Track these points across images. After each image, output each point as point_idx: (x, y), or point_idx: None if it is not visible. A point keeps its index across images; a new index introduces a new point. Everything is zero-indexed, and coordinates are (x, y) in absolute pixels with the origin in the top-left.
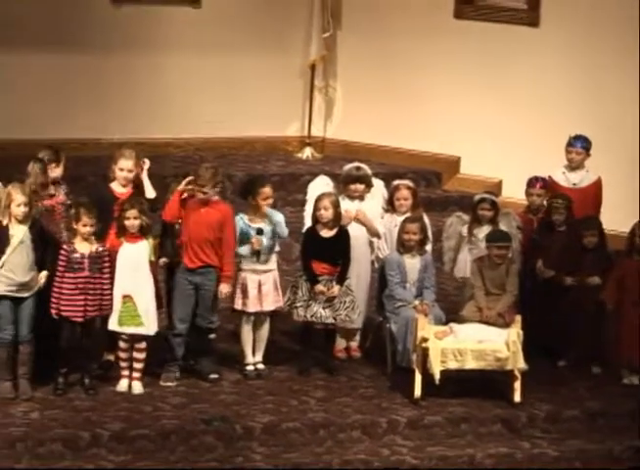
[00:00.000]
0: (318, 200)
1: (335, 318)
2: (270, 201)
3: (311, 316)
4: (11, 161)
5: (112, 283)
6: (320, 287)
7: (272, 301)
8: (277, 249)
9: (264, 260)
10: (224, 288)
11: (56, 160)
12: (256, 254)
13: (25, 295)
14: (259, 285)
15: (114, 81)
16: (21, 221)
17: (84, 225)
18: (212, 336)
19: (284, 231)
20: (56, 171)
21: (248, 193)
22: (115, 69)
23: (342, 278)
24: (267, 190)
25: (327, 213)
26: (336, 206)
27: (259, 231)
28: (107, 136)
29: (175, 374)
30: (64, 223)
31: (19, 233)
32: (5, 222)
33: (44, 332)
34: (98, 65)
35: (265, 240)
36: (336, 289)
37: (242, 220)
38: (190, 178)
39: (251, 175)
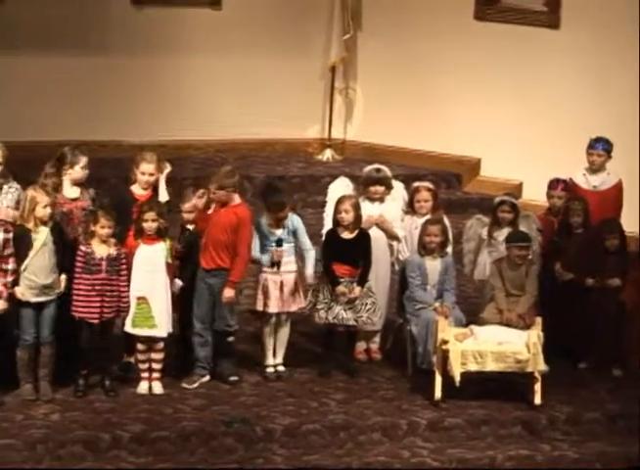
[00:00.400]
0: (339, 202)
1: (356, 320)
2: (281, 217)
3: (333, 318)
4: (33, 162)
5: (129, 285)
6: (341, 288)
7: (294, 301)
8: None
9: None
10: (227, 292)
11: (73, 162)
12: (276, 265)
13: (47, 298)
14: (281, 286)
15: (134, 83)
16: (44, 223)
17: (102, 227)
18: (231, 339)
19: (306, 241)
20: (77, 174)
21: (264, 200)
22: (136, 71)
23: (363, 280)
24: (281, 214)
25: (348, 216)
26: (356, 208)
27: (279, 242)
28: (128, 138)
29: (199, 377)
30: (81, 227)
31: (41, 236)
32: (30, 225)
33: (64, 334)
34: (119, 67)
35: (285, 246)
36: (357, 290)
37: (262, 223)
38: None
39: (273, 185)
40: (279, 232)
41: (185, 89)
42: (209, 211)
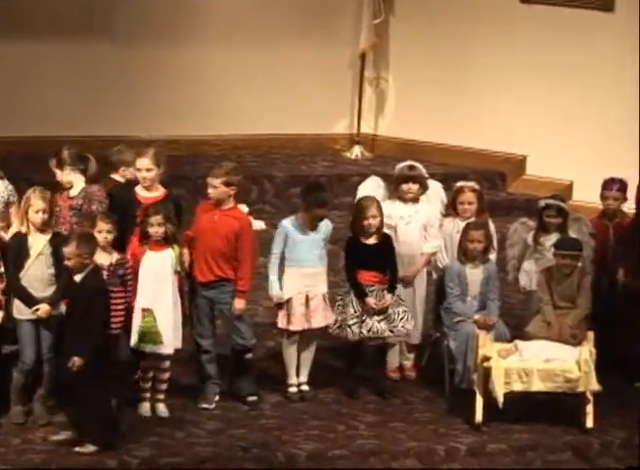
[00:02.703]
0: (363, 207)
1: (392, 331)
2: (320, 217)
3: (368, 332)
4: (30, 159)
5: (134, 296)
6: (371, 299)
7: (322, 317)
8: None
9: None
10: (238, 303)
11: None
12: None
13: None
14: (307, 300)
15: (143, 74)
16: (41, 230)
17: (99, 232)
18: (249, 355)
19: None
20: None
21: (303, 200)
22: (146, 60)
23: (392, 286)
24: (322, 212)
25: (376, 222)
26: (381, 212)
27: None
28: (135, 133)
29: (214, 395)
30: (67, 229)
31: (38, 244)
32: (23, 230)
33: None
34: (126, 56)
35: (318, 251)
36: (388, 298)
37: (289, 223)
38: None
39: (317, 183)
40: (312, 234)
41: (199, 80)
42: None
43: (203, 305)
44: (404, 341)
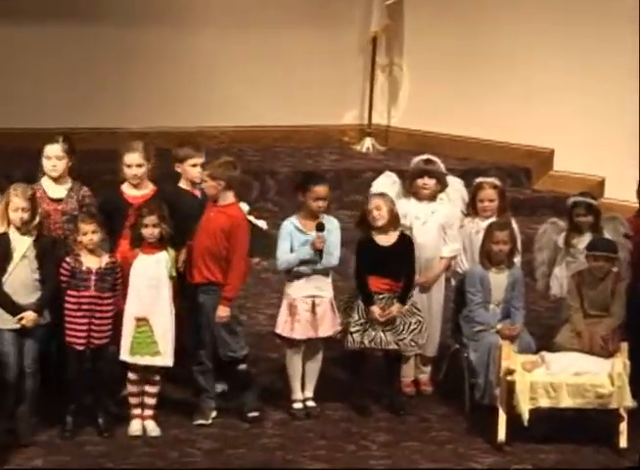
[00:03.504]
0: (368, 201)
1: (397, 344)
2: (321, 203)
3: (370, 342)
4: (13, 153)
5: (125, 304)
6: (375, 309)
7: (329, 325)
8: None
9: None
10: (221, 311)
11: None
12: (318, 254)
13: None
14: (313, 306)
15: (135, 60)
16: (21, 231)
17: (84, 234)
18: (242, 367)
19: (332, 258)
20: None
21: (299, 187)
22: (138, 45)
23: (404, 295)
24: (319, 189)
25: (381, 213)
26: (390, 204)
27: (320, 227)
28: (125, 125)
29: (210, 410)
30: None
31: (21, 246)
32: (2, 229)
33: (51, 361)
34: (116, 40)
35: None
36: (395, 308)
37: (291, 224)
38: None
39: (314, 173)
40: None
41: (195, 67)
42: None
43: (193, 309)
44: (419, 353)
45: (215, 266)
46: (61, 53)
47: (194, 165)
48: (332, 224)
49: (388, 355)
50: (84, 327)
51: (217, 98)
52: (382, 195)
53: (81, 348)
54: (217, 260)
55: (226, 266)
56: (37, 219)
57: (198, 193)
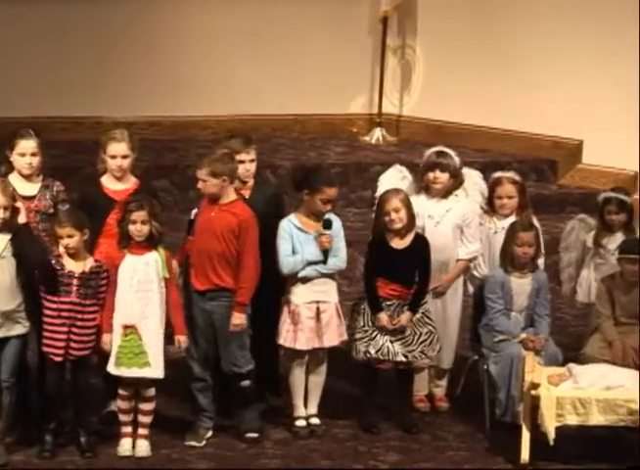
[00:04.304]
0: (384, 200)
1: (406, 356)
2: (329, 206)
3: (376, 352)
4: None
5: (111, 311)
6: (384, 317)
7: (335, 333)
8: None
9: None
10: (236, 318)
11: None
12: (325, 253)
13: (8, 334)
14: (317, 313)
15: (120, 41)
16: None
17: (60, 237)
18: (245, 383)
19: (339, 261)
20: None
21: (304, 183)
22: (123, 25)
23: (415, 303)
24: (331, 191)
25: (399, 216)
26: (408, 205)
27: (327, 224)
28: (110, 113)
29: (205, 431)
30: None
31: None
32: None
33: (28, 375)
34: (100, 18)
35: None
36: (404, 318)
37: (291, 224)
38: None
39: (317, 166)
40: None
41: (188, 50)
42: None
43: (200, 319)
44: (434, 365)
45: (225, 271)
46: (35, 33)
47: (241, 162)
48: (336, 223)
49: (399, 368)
50: (63, 336)
51: (212, 84)
52: (397, 192)
53: (60, 359)
54: (227, 264)
55: (236, 270)
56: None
57: (246, 193)
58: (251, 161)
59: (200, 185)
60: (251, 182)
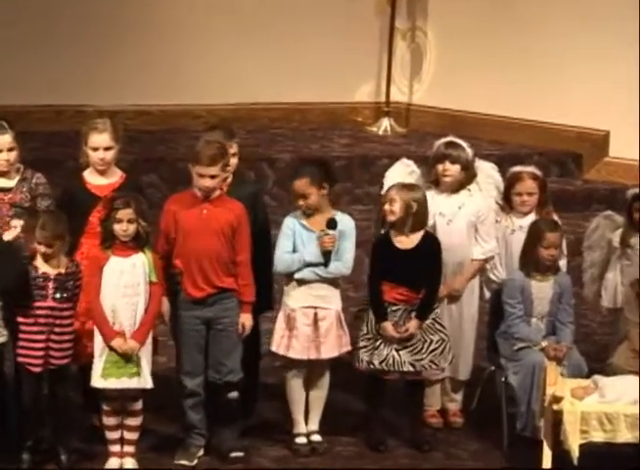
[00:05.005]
0: (386, 192)
1: (413, 365)
2: (302, 203)
3: (380, 363)
4: None
5: (104, 315)
6: (388, 325)
7: (335, 343)
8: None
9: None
10: (247, 319)
11: None
12: (326, 255)
13: None
14: (315, 319)
15: (103, 22)
16: None
17: (39, 243)
18: (233, 395)
19: (342, 266)
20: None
21: (324, 171)
22: (108, 5)
23: (425, 309)
24: (298, 185)
25: (392, 209)
26: (407, 197)
27: (331, 223)
28: (94, 102)
29: (197, 449)
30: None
31: None
32: None
33: (6, 388)
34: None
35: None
36: (412, 325)
37: (295, 220)
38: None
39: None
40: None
41: (178, 32)
42: None
43: (196, 331)
44: (447, 377)
45: (224, 271)
46: (11, 14)
47: None
48: (346, 225)
49: (407, 378)
50: (41, 344)
51: (204, 70)
52: (401, 187)
53: (38, 369)
54: (225, 263)
55: (233, 269)
56: None
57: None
58: (233, 154)
59: (205, 183)
60: (229, 178)
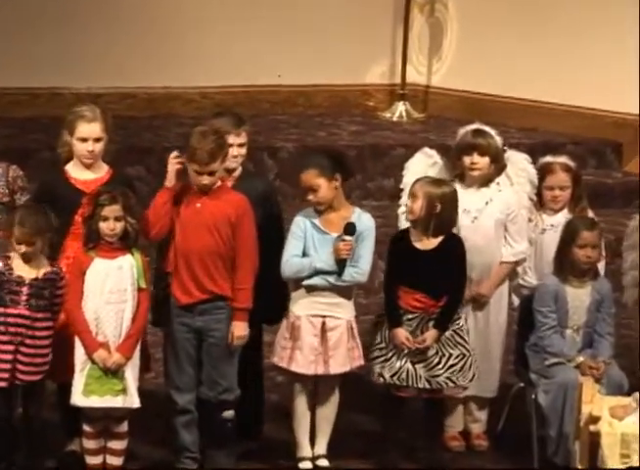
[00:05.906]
0: (411, 187)
1: (429, 382)
2: (311, 197)
3: (392, 376)
4: None
5: (87, 325)
6: (402, 333)
7: (344, 357)
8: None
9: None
10: (238, 329)
11: None
12: (341, 264)
13: None
14: (323, 329)
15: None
16: None
17: (18, 242)
18: (229, 414)
19: (358, 272)
20: None
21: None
22: None
23: (445, 318)
24: (305, 177)
25: (414, 207)
26: (442, 199)
27: (350, 229)
28: (73, 84)
29: None
30: None
31: None
32: None
33: None
34: None
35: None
36: (429, 336)
37: (307, 220)
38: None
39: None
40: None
41: (166, 7)
42: None
43: (185, 341)
44: (469, 396)
45: (221, 274)
46: None
47: (229, 145)
48: (365, 226)
49: (423, 396)
50: (9, 357)
51: (195, 49)
52: (425, 183)
53: (4, 384)
54: (223, 265)
55: (231, 271)
56: None
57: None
58: (241, 145)
59: (205, 180)
60: (238, 171)
